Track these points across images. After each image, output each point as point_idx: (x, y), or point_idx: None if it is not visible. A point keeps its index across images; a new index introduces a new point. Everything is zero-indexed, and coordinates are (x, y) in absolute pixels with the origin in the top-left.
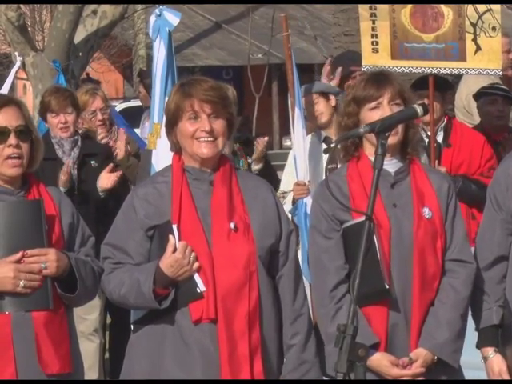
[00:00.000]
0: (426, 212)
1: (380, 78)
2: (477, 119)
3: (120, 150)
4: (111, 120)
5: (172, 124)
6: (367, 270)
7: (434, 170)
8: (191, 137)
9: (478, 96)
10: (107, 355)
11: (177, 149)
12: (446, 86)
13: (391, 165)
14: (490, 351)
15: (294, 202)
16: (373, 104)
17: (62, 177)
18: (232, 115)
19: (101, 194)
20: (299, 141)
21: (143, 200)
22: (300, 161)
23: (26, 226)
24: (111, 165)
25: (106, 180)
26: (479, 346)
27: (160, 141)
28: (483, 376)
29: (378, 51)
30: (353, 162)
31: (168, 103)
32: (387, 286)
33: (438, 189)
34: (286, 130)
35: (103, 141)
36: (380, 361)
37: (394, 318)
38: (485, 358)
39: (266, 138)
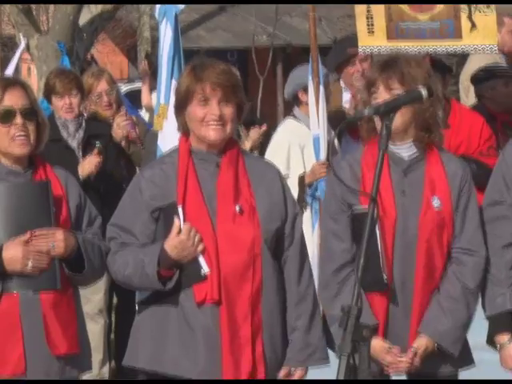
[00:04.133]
0: (436, 202)
1: (384, 64)
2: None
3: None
4: (119, 101)
5: (181, 106)
6: (368, 259)
7: (453, 157)
8: (200, 121)
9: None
10: (113, 336)
11: (184, 130)
12: (445, 68)
13: (405, 149)
14: (506, 338)
15: (303, 185)
16: (373, 89)
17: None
18: (241, 101)
19: (91, 177)
20: (323, 120)
21: (149, 181)
22: (322, 141)
23: (33, 207)
24: (96, 150)
25: (87, 165)
26: (493, 332)
27: (166, 122)
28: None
29: (373, 32)
30: (370, 145)
31: (179, 84)
32: (385, 279)
33: (452, 178)
34: (290, 112)
35: (123, 123)
36: (374, 346)
37: (393, 306)
38: (501, 345)
39: (264, 128)
